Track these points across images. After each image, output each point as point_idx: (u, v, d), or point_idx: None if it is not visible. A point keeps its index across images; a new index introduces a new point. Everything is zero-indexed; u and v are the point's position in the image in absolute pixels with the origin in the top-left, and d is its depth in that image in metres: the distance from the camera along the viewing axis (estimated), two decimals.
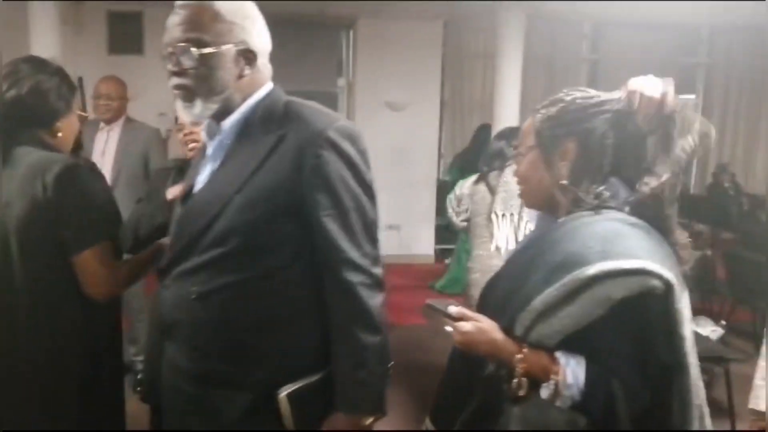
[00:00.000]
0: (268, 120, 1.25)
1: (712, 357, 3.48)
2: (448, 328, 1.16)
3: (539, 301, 1.05)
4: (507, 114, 5.24)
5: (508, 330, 1.11)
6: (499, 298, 1.18)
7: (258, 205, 1.20)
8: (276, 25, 5.10)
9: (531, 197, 1.24)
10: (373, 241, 1.25)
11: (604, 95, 1.16)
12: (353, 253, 1.21)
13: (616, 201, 1.12)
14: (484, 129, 5.36)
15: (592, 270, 1.02)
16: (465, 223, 2.92)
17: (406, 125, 6.37)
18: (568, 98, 1.16)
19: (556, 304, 1.05)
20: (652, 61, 6.90)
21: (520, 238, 2.66)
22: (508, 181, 2.68)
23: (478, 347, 1.13)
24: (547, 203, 1.20)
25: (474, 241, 2.87)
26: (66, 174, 1.40)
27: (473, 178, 2.88)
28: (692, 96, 7.43)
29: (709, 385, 3.23)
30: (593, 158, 1.13)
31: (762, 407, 1.56)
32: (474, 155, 3.87)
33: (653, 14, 5.61)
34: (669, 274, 1.03)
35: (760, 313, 3.98)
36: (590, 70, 7.17)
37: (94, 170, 1.55)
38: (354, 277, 1.21)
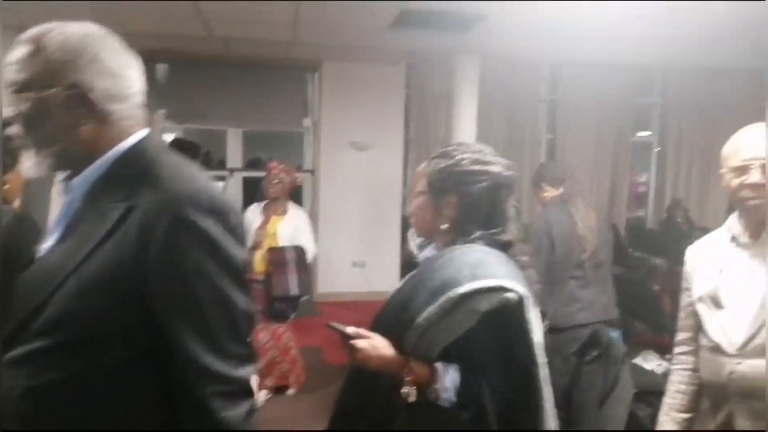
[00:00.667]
0: (120, 183, 1.03)
1: (655, 391, 3.59)
2: (345, 347, 1.35)
3: (422, 319, 1.26)
4: None
5: (398, 346, 1.31)
6: (391, 319, 1.37)
7: (92, 292, 0.98)
8: (243, 67, 5.24)
9: (420, 230, 1.52)
10: (241, 337, 1.04)
11: (490, 160, 1.44)
12: (206, 358, 0.99)
13: (482, 238, 1.38)
14: None
15: (463, 289, 1.25)
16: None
17: (371, 164, 6.49)
18: (456, 157, 1.43)
19: (435, 321, 1.25)
20: (608, 101, 7.19)
21: None
22: None
23: (372, 362, 1.32)
24: (432, 236, 1.47)
25: None
26: None
27: None
28: (648, 133, 7.72)
29: (653, 417, 3.30)
30: (470, 211, 1.40)
31: None
32: None
33: (609, 56, 5.86)
34: (522, 290, 1.27)
35: None
36: (549, 109, 7.40)
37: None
38: (206, 388, 0.99)
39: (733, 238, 1.61)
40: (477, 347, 1.27)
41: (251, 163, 6.56)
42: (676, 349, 1.78)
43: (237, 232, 1.04)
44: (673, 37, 4.81)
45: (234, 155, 6.39)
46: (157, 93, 5.91)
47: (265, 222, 4.09)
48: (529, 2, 3.87)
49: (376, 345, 1.32)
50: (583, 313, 3.05)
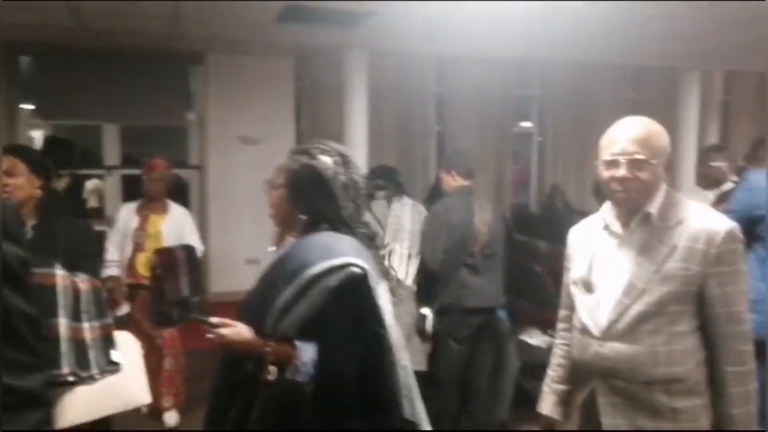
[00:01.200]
0: None
1: (539, 364, 3.85)
2: (210, 335, 1.44)
3: (280, 302, 1.39)
4: (356, 146, 5.42)
5: (260, 330, 1.42)
6: (255, 305, 1.49)
7: None
8: (119, 59, 4.93)
9: (278, 221, 1.67)
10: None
11: (348, 161, 1.60)
12: None
13: (335, 227, 1.53)
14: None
15: (315, 269, 1.39)
16: None
17: (262, 159, 6.33)
18: (316, 156, 1.57)
19: (292, 302, 1.38)
20: (492, 93, 7.50)
21: (411, 264, 3.31)
22: (399, 215, 3.41)
23: (235, 347, 1.43)
24: (289, 227, 1.63)
25: None
26: None
27: None
28: (529, 124, 8.13)
29: (538, 389, 3.53)
30: (324, 205, 1.56)
31: (545, 411, 1.87)
32: None
33: (491, 51, 6.09)
34: (366, 265, 1.42)
35: None
36: (438, 102, 7.60)
37: None
38: None
39: (606, 226, 1.71)
40: (331, 320, 1.40)
41: (131, 160, 6.21)
42: (559, 325, 1.90)
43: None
44: (550, 34, 5.08)
45: (111, 152, 6.02)
46: (22, 87, 5.43)
47: (144, 222, 3.90)
48: (414, 1, 3.94)
49: (238, 331, 1.43)
50: (471, 298, 3.21)
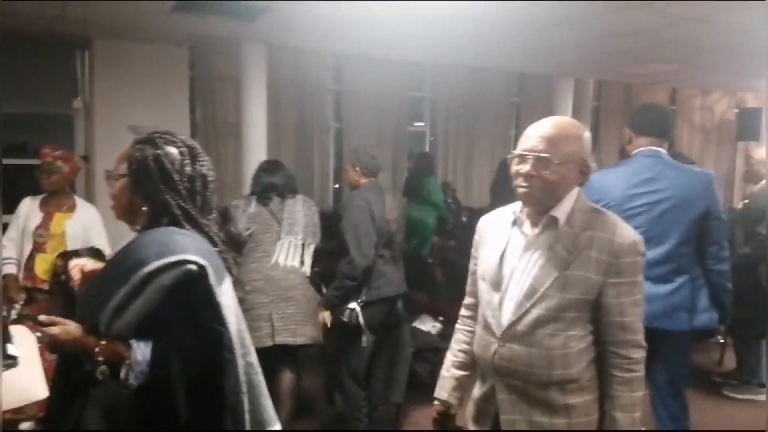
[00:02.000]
0: None
1: (431, 348, 4.11)
2: (38, 334, 1.45)
3: (115, 301, 1.35)
4: (255, 139, 5.40)
5: (94, 329, 1.37)
6: (91, 302, 1.44)
7: None
8: (2, 41, 4.55)
9: (120, 213, 1.58)
10: None
11: (196, 153, 1.57)
12: None
13: (177, 222, 1.50)
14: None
15: (149, 268, 1.35)
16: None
17: None
18: (161, 146, 1.52)
19: (127, 300, 1.35)
20: (387, 93, 7.70)
21: (306, 254, 3.44)
22: (293, 210, 3.48)
23: (65, 346, 1.38)
24: (131, 220, 1.55)
25: (254, 254, 3.40)
26: None
27: (254, 201, 3.51)
28: (422, 124, 8.45)
29: (432, 373, 3.75)
30: (168, 199, 1.50)
31: (443, 396, 1.89)
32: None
33: (386, 52, 6.26)
34: (203, 261, 1.39)
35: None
36: (336, 99, 7.71)
37: None
38: None
39: (516, 223, 1.70)
40: (167, 319, 1.38)
41: (14, 149, 5.79)
42: (462, 311, 1.90)
43: None
44: (438, 38, 5.33)
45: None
46: None
47: (47, 220, 3.56)
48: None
49: (68, 330, 1.37)
50: (387, 287, 3.34)
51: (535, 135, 1.62)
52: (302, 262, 3.45)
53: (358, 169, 3.47)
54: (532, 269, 1.62)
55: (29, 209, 3.58)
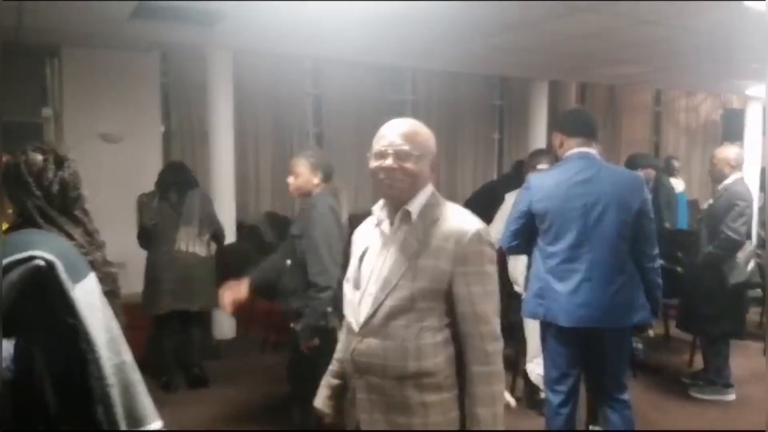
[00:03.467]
0: None
1: None
2: None
3: None
4: (221, 144, 5.39)
5: None
6: None
7: None
8: None
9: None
10: None
11: (61, 159, 1.68)
12: None
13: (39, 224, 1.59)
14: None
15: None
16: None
17: (126, 157, 6.13)
18: (30, 156, 1.64)
19: None
20: (367, 96, 7.70)
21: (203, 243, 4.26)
22: (190, 204, 4.20)
23: None
24: (5, 221, 1.65)
25: (160, 241, 4.24)
26: None
27: (157, 197, 4.30)
28: None
29: None
30: (36, 203, 1.62)
31: (318, 404, 1.95)
32: None
33: (366, 55, 6.25)
34: (51, 257, 1.43)
35: None
36: (314, 103, 7.70)
37: None
38: None
39: (378, 224, 1.76)
40: (24, 315, 1.41)
41: None
42: (345, 321, 1.89)
43: None
44: (418, 43, 5.32)
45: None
46: None
47: None
48: (275, 2, 3.99)
49: None
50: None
51: (392, 133, 1.70)
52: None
53: (319, 172, 3.15)
54: (387, 263, 1.67)
55: None
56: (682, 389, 4.31)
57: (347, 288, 1.78)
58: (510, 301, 4.04)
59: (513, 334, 4.31)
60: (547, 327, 2.82)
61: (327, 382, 1.91)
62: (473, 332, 1.62)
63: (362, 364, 1.67)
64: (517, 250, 3.01)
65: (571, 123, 2.88)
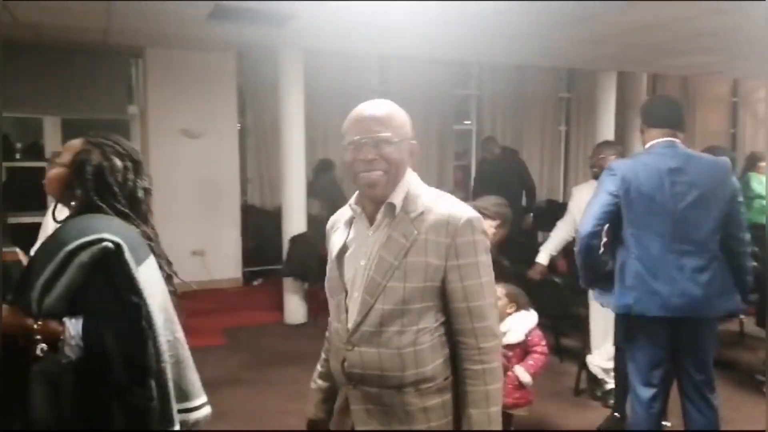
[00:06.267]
0: None
1: None
2: None
3: (41, 279, 1.48)
4: (292, 142, 5.60)
5: (29, 310, 1.48)
6: (23, 286, 1.55)
7: None
8: (57, 53, 5.03)
9: (52, 195, 1.70)
10: None
11: (128, 154, 1.70)
12: None
13: (103, 209, 1.62)
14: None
15: (70, 247, 1.48)
16: None
17: (205, 153, 6.49)
18: (105, 144, 1.65)
19: (53, 279, 1.48)
20: (433, 92, 7.78)
21: None
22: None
23: (9, 330, 1.49)
24: (65, 204, 1.68)
25: None
26: None
27: None
28: (468, 122, 8.46)
29: None
30: (98, 190, 1.62)
31: (311, 410, 1.81)
32: None
33: (432, 51, 6.34)
34: (118, 239, 1.52)
35: None
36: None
37: None
38: None
39: (354, 221, 1.61)
40: (92, 294, 1.51)
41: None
42: (330, 319, 1.76)
43: None
44: (485, 37, 5.37)
45: (52, 145, 6.08)
46: None
47: None
48: (343, 2, 4.15)
49: (7, 313, 1.49)
50: None
51: (367, 118, 1.50)
52: None
53: None
54: (372, 263, 1.50)
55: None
56: (756, 387, 4.20)
57: (327, 291, 1.63)
58: (575, 294, 4.06)
59: (578, 326, 4.34)
60: (636, 320, 2.70)
61: (317, 385, 1.76)
62: (466, 329, 1.49)
63: (355, 375, 1.53)
64: (598, 238, 2.76)
65: (655, 112, 2.80)
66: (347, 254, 1.58)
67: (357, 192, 1.58)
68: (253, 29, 4.90)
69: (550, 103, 8.53)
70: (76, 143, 1.67)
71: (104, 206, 1.61)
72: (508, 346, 2.74)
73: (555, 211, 6.63)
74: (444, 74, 7.76)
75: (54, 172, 1.68)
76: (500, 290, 2.95)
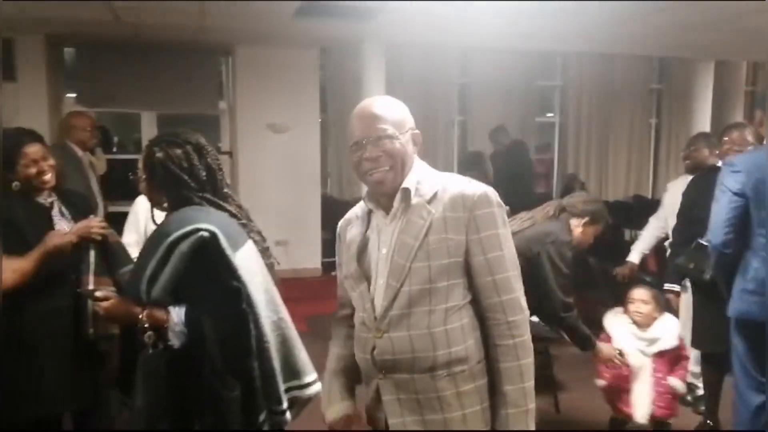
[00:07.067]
0: None
1: (536, 337, 4.01)
2: (96, 308, 1.67)
3: (148, 270, 1.57)
4: None
5: (139, 300, 1.59)
6: (134, 277, 1.67)
7: None
8: (153, 51, 5.33)
9: (152, 204, 1.83)
10: None
11: (203, 147, 1.79)
12: None
13: (196, 202, 1.72)
14: None
15: (171, 238, 1.57)
16: None
17: (289, 147, 6.67)
18: (156, 155, 1.73)
19: (157, 270, 1.57)
20: (515, 84, 7.64)
21: None
22: None
23: (117, 317, 1.65)
24: (160, 204, 1.80)
25: None
26: None
27: None
28: (551, 114, 8.24)
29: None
30: (187, 185, 1.72)
31: (338, 413, 1.72)
32: None
33: (515, 42, 6.23)
34: (213, 228, 1.59)
35: (592, 301, 4.57)
36: (461, 92, 7.79)
37: None
38: None
39: (370, 214, 1.61)
40: (194, 282, 1.59)
41: None
42: (334, 325, 1.78)
43: None
44: (572, 26, 5.23)
45: (149, 139, 6.45)
46: (66, 77, 5.90)
47: None
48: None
49: (117, 303, 1.63)
50: None
51: (366, 117, 1.52)
52: None
53: None
54: (395, 247, 1.51)
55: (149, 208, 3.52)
56: None
57: (351, 285, 1.61)
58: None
59: None
60: (754, 326, 2.51)
61: (341, 384, 1.70)
62: (494, 303, 1.48)
63: (386, 362, 1.51)
64: (732, 246, 2.50)
65: None
66: (368, 247, 1.58)
67: (368, 188, 1.59)
68: (338, 25, 4.99)
69: (640, 94, 8.16)
70: (144, 153, 1.80)
71: (191, 195, 1.71)
72: (661, 353, 2.63)
73: (642, 207, 6.37)
74: (527, 65, 7.60)
75: (143, 187, 1.83)
76: (646, 294, 2.88)
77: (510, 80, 7.55)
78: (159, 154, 1.73)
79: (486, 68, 7.48)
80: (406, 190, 1.51)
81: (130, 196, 2.80)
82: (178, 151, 1.74)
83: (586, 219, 2.76)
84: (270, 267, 1.81)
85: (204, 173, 1.75)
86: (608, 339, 2.87)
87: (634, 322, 2.85)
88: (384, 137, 1.48)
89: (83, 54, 5.90)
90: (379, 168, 1.49)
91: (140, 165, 1.82)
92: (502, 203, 1.52)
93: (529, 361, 1.49)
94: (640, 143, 8.30)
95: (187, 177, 1.72)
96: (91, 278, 2.07)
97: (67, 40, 5.72)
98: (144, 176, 1.79)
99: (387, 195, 1.54)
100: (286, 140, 6.66)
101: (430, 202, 1.50)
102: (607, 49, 6.66)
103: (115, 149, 6.96)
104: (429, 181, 1.53)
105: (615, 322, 2.92)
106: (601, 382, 2.88)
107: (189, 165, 1.73)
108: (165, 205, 1.78)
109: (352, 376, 1.70)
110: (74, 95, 6.02)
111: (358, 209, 1.65)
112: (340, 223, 1.71)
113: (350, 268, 1.59)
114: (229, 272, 1.59)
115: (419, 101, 7.38)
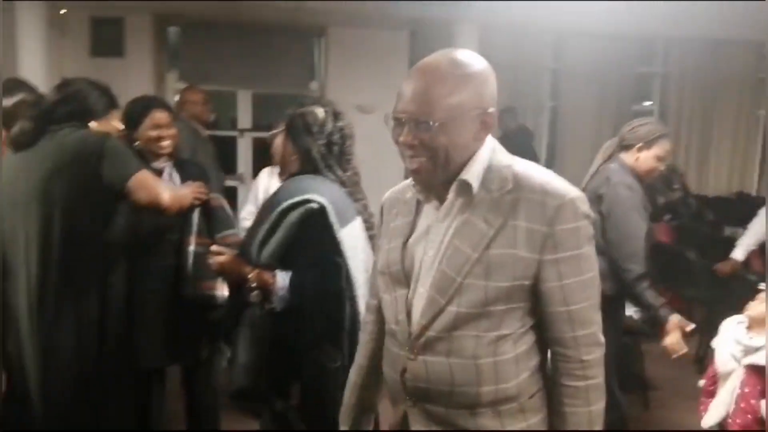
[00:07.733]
0: None
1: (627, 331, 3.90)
2: (211, 261, 1.75)
3: (260, 235, 1.68)
4: None
5: (250, 259, 1.69)
6: (247, 240, 1.78)
7: None
8: (250, 31, 5.53)
9: (278, 162, 1.95)
10: None
11: (338, 115, 1.93)
12: None
13: (313, 171, 1.79)
14: None
15: (281, 206, 1.65)
16: None
17: (374, 128, 6.69)
18: (312, 108, 1.86)
19: (268, 236, 1.67)
20: (611, 70, 7.32)
21: None
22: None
23: (229, 272, 1.74)
24: (286, 169, 1.88)
25: None
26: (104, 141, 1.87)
27: None
28: (650, 103, 7.85)
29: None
30: (311, 151, 1.82)
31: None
32: None
33: (611, 26, 5.99)
34: (323, 200, 1.64)
35: (688, 299, 4.36)
36: (553, 78, 7.55)
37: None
38: None
39: (419, 202, 1.31)
40: (299, 250, 1.65)
41: (262, 125, 6.80)
42: (365, 317, 1.55)
43: None
44: (676, 9, 4.96)
45: (244, 116, 6.66)
46: (170, 55, 6.18)
47: None
48: None
49: (230, 259, 1.72)
50: None
51: (407, 92, 1.19)
52: None
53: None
54: (445, 253, 1.20)
55: (269, 181, 3.43)
56: None
57: (384, 283, 1.32)
58: None
59: None
60: None
61: (354, 404, 1.47)
62: (565, 338, 1.20)
63: (418, 390, 1.23)
64: None
65: None
66: (411, 239, 1.28)
67: None
68: (430, 6, 4.95)
69: (749, 83, 7.61)
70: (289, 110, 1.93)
71: (318, 158, 1.78)
72: (756, 368, 2.25)
73: (745, 205, 5.99)
74: (625, 50, 7.24)
75: (276, 143, 2.02)
76: None
77: (606, 66, 7.23)
78: (298, 111, 1.85)
79: (580, 53, 7.19)
80: (465, 183, 1.21)
81: (226, 172, 3.02)
82: (321, 110, 1.87)
83: (640, 144, 2.50)
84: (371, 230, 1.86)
85: (337, 136, 1.85)
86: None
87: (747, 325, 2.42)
88: (423, 123, 1.16)
89: (186, 33, 6.16)
90: (415, 157, 1.19)
91: (279, 126, 1.97)
92: (591, 212, 1.23)
93: (600, 406, 1.23)
94: (747, 136, 7.76)
95: (319, 135, 1.81)
96: (194, 239, 2.19)
97: (172, 19, 5.99)
98: (278, 136, 1.95)
99: (430, 186, 1.24)
100: (372, 121, 6.68)
101: (499, 201, 1.19)
102: (713, 33, 6.26)
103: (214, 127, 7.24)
104: (500, 173, 1.21)
105: (730, 327, 2.49)
106: (701, 382, 2.69)
107: (322, 125, 1.83)
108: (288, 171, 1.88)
109: (371, 394, 1.47)
110: (176, 72, 6.29)
111: (408, 191, 1.32)
112: (385, 199, 1.40)
113: (390, 264, 1.29)
114: (333, 247, 1.66)
115: (509, 86, 7.21)
